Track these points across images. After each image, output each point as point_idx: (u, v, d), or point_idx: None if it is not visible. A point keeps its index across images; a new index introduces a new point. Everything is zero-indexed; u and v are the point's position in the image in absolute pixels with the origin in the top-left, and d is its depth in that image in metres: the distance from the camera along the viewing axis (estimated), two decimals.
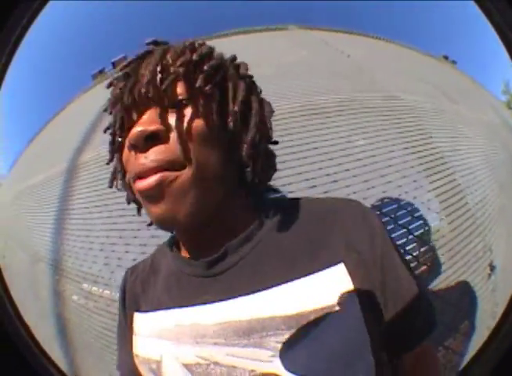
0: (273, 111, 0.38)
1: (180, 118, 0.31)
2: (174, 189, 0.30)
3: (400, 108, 1.42)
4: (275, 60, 1.40)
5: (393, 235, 0.87)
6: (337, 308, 0.31)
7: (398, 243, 0.87)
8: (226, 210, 0.35)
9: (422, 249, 0.89)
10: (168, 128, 0.31)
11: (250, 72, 0.38)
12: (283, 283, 0.32)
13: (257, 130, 0.35)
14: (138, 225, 0.99)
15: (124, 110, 0.33)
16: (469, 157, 1.36)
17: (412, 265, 0.88)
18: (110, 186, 0.39)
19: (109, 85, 0.35)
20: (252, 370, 0.31)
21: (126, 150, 0.33)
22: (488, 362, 0.29)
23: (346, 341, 0.31)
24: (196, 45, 0.36)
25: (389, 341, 0.36)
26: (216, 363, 0.32)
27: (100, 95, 0.41)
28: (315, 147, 0.87)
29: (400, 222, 0.87)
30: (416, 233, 0.90)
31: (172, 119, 0.31)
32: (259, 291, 0.32)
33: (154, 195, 0.30)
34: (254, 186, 0.36)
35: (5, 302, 0.36)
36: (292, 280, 0.32)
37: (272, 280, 0.32)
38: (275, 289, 0.32)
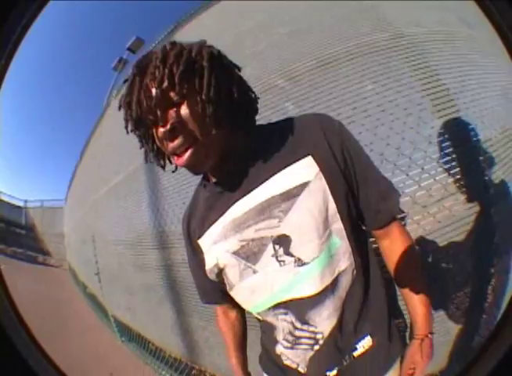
0: (240, 69, 0.50)
1: (181, 112, 0.43)
2: (197, 155, 0.45)
3: (408, 45, 1.45)
4: (286, 18, 1.47)
5: None
6: (309, 183, 0.46)
7: None
8: (233, 148, 0.49)
9: None
10: (178, 122, 0.43)
11: (214, 51, 0.46)
12: (274, 174, 0.48)
13: (231, 97, 0.45)
14: None
15: (137, 118, 0.44)
16: (481, 92, 1.29)
17: None
18: (146, 162, 0.52)
19: (120, 108, 0.47)
20: (271, 236, 0.47)
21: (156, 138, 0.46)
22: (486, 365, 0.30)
23: (320, 205, 0.46)
24: (168, 48, 0.43)
25: (364, 217, 0.51)
26: (252, 240, 0.47)
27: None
28: (335, 97, 1.05)
29: None
30: None
31: (178, 113, 0.43)
32: (261, 183, 0.48)
33: (188, 165, 0.46)
34: (246, 127, 0.50)
35: (4, 302, 0.37)
36: (279, 171, 0.48)
37: (268, 175, 0.48)
38: (270, 180, 0.48)
